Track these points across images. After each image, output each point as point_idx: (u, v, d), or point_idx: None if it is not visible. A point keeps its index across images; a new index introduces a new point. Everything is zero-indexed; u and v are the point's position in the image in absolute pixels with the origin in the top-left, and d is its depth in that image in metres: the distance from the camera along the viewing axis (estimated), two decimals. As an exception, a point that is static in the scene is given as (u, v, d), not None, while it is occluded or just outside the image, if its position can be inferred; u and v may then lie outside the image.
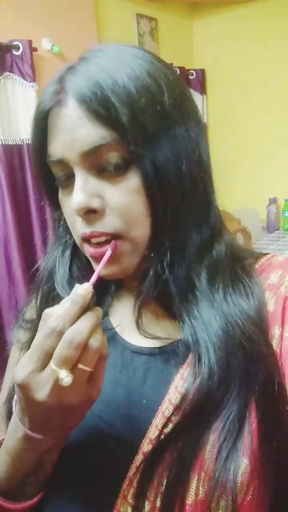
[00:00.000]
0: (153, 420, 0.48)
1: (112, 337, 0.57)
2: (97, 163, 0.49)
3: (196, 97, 3.17)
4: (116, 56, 0.49)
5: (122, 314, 0.59)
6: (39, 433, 0.45)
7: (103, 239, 0.50)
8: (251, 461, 0.43)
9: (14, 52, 2.05)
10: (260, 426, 0.45)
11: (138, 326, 0.53)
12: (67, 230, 0.58)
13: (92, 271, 0.55)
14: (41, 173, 0.55)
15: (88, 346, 0.41)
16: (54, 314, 0.43)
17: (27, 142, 2.12)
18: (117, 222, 0.49)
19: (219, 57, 3.25)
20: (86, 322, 0.42)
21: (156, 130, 0.47)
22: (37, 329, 0.58)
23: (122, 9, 2.74)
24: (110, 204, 0.49)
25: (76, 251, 0.59)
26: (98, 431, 0.51)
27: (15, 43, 2.04)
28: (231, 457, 0.43)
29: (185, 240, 0.50)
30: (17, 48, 2.05)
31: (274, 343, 0.47)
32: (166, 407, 0.48)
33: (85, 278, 0.56)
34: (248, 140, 3.22)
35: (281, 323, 0.48)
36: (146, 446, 0.47)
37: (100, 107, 0.46)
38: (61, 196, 0.54)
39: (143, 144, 0.47)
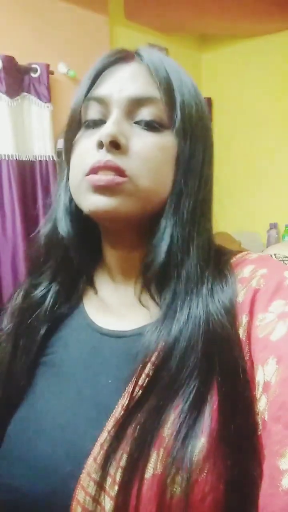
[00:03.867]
0: (119, 401, 0.49)
1: (84, 320, 0.60)
2: (136, 113, 0.53)
3: (203, 124, 3.28)
4: (177, 65, 0.58)
5: (97, 298, 0.61)
6: None
7: (110, 176, 0.51)
8: (208, 440, 0.45)
9: (32, 74, 2.17)
10: (220, 408, 0.46)
11: (140, 297, 0.55)
12: (66, 191, 0.60)
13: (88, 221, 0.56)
14: (75, 114, 0.56)
15: None
16: None
17: (40, 159, 2.22)
18: (134, 164, 0.51)
19: (225, 87, 3.39)
20: None
21: (196, 126, 0.55)
22: (21, 313, 0.61)
23: (135, 39, 2.88)
24: (134, 148, 0.51)
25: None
26: (65, 408, 0.53)
27: (33, 66, 2.16)
28: (190, 436, 0.45)
29: (191, 219, 0.54)
30: (35, 70, 2.17)
31: (241, 331, 0.49)
32: (133, 389, 0.49)
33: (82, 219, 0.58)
34: (250, 166, 3.32)
35: (248, 312, 0.50)
36: (111, 425, 0.48)
37: (162, 78, 0.53)
38: (80, 137, 0.55)
39: (185, 120, 0.53)
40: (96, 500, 0.45)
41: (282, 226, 3.21)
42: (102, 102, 0.53)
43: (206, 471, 0.43)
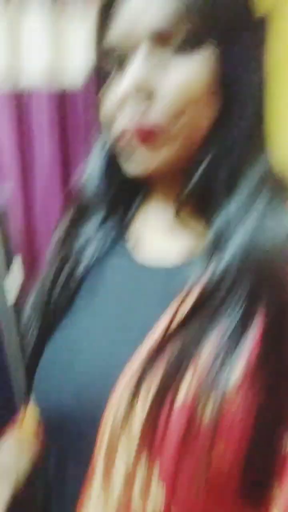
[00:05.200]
0: (159, 323, 0.49)
1: (125, 252, 0.60)
2: (165, 40, 0.47)
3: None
4: None
5: (142, 229, 0.60)
6: None
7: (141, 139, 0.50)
8: (243, 374, 0.44)
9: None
10: (262, 343, 0.45)
11: (177, 215, 0.54)
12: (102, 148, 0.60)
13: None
14: (98, 64, 0.54)
15: None
16: None
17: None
18: (167, 107, 0.48)
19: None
20: None
21: (236, 34, 0.49)
22: (68, 248, 0.62)
23: None
24: (167, 86, 0.48)
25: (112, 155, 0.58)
26: (103, 329, 0.54)
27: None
28: (225, 367, 0.44)
29: (238, 146, 0.50)
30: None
31: None
32: (174, 314, 0.49)
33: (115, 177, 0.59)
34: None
35: None
36: (148, 345, 0.48)
37: None
38: (111, 80, 0.52)
39: (222, 30, 0.48)
40: (125, 420, 0.45)
41: None
42: (122, 45, 0.49)
43: (236, 406, 0.43)
